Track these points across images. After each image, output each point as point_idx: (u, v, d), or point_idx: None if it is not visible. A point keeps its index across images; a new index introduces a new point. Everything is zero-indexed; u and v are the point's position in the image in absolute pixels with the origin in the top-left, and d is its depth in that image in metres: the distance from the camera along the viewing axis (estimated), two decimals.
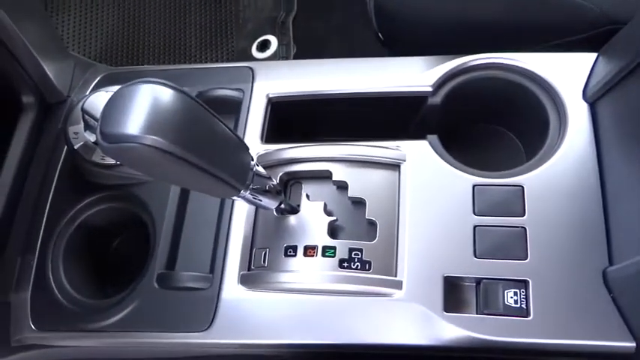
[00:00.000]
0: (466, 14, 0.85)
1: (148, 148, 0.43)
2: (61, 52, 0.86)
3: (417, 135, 0.71)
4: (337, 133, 0.80)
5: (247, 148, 0.55)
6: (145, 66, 1.02)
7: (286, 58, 1.34)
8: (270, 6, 1.40)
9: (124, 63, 1.25)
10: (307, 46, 1.36)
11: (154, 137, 0.43)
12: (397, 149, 0.69)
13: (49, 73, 0.80)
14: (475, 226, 0.63)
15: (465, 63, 0.74)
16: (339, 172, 0.68)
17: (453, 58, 0.75)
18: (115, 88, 0.54)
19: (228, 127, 0.52)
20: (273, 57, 1.34)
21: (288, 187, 0.72)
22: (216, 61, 1.33)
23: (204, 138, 0.49)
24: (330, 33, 1.38)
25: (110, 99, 0.46)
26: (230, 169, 0.52)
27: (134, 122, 0.43)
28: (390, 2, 0.89)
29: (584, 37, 0.80)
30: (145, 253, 0.71)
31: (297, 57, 1.34)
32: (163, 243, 0.70)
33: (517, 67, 0.73)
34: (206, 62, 1.31)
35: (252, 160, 0.55)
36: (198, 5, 1.36)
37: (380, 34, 0.98)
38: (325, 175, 0.69)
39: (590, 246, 0.60)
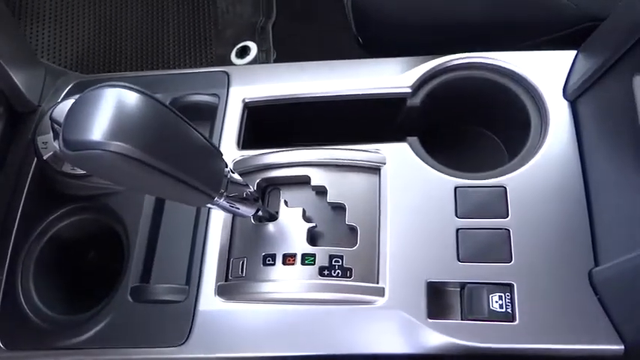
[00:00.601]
0: (444, 15, 0.84)
1: (113, 155, 0.41)
2: (30, 60, 0.83)
3: (397, 137, 0.69)
4: (316, 137, 0.78)
5: (220, 154, 0.53)
6: (118, 73, 1.00)
7: (266, 63, 1.32)
8: (249, 12, 1.39)
9: (101, 71, 1.23)
10: (287, 51, 1.35)
11: (118, 143, 0.41)
12: (377, 152, 0.67)
13: (17, 82, 0.78)
14: (458, 229, 0.61)
15: (444, 63, 0.73)
16: (317, 177, 0.66)
17: (432, 59, 0.74)
18: None
19: (199, 133, 0.50)
20: (253, 63, 1.32)
21: (266, 194, 0.69)
22: (196, 67, 1.31)
23: (173, 143, 0.47)
24: (310, 38, 1.36)
25: (73, 104, 0.45)
26: (202, 176, 0.50)
27: (98, 128, 0.41)
28: (367, 4, 0.87)
29: (565, 35, 0.80)
30: (119, 265, 0.69)
31: (276, 62, 1.33)
32: (137, 255, 0.67)
33: (496, 66, 0.72)
34: (184, 69, 1.29)
35: (227, 166, 0.53)
36: (176, 12, 1.34)
37: (359, 38, 0.97)
38: (304, 181, 0.67)
39: (575, 247, 0.59)
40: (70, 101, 0.71)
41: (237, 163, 0.70)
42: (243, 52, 1.34)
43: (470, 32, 0.84)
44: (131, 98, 0.44)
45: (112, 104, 0.42)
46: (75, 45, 1.20)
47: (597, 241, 0.59)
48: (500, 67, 0.72)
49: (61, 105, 0.71)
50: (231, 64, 1.33)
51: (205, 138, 0.51)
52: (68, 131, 0.42)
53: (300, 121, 0.79)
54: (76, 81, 0.84)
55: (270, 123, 0.78)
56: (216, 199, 0.52)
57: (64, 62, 1.20)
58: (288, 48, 1.36)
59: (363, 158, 0.67)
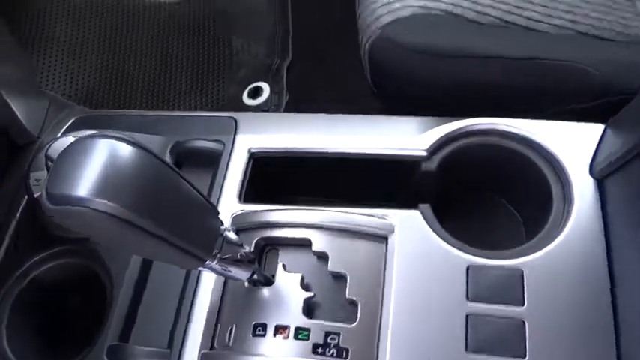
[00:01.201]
0: (464, 76, 0.81)
1: (98, 214, 0.38)
2: (33, 90, 0.81)
3: (408, 203, 0.64)
4: (323, 193, 0.75)
5: (217, 213, 0.49)
6: (123, 110, 0.97)
7: (278, 105, 1.29)
8: (264, 53, 1.37)
9: (110, 105, 1.20)
10: (300, 94, 1.32)
11: (104, 201, 0.38)
12: (384, 218, 0.62)
13: (17, 112, 0.75)
14: (468, 315, 0.56)
15: (464, 127, 0.69)
16: (319, 241, 0.61)
17: (451, 121, 0.69)
18: (85, 133, 0.50)
19: (195, 189, 0.46)
20: (265, 104, 1.30)
21: (264, 254, 0.65)
22: (206, 106, 1.28)
23: (164, 202, 0.43)
24: (324, 81, 1.34)
25: (61, 154, 0.41)
26: (194, 238, 0.46)
27: (84, 183, 0.37)
28: (384, 58, 0.84)
29: (593, 106, 0.76)
30: (99, 318, 0.64)
31: (289, 105, 1.30)
32: (119, 310, 0.62)
33: (519, 135, 0.67)
34: (195, 107, 1.26)
35: (222, 225, 0.49)
36: (191, 49, 1.33)
37: (374, 88, 0.94)
38: (305, 243, 0.62)
39: (597, 345, 0.53)
40: (68, 138, 0.68)
41: (235, 218, 0.66)
42: (255, 93, 1.32)
43: (490, 95, 0.81)
44: (124, 151, 0.40)
45: (102, 158, 0.39)
46: (85, 78, 1.18)
47: (621, 339, 0.53)
48: (522, 136, 0.67)
49: (57, 142, 0.68)
50: (242, 104, 1.30)
51: (202, 194, 0.47)
52: (52, 184, 0.38)
53: (308, 175, 0.75)
54: (79, 115, 0.81)
55: (275, 174, 0.74)
56: (207, 262, 0.48)
57: (74, 94, 1.18)
58: (301, 91, 1.34)
59: (370, 224, 0.62)
